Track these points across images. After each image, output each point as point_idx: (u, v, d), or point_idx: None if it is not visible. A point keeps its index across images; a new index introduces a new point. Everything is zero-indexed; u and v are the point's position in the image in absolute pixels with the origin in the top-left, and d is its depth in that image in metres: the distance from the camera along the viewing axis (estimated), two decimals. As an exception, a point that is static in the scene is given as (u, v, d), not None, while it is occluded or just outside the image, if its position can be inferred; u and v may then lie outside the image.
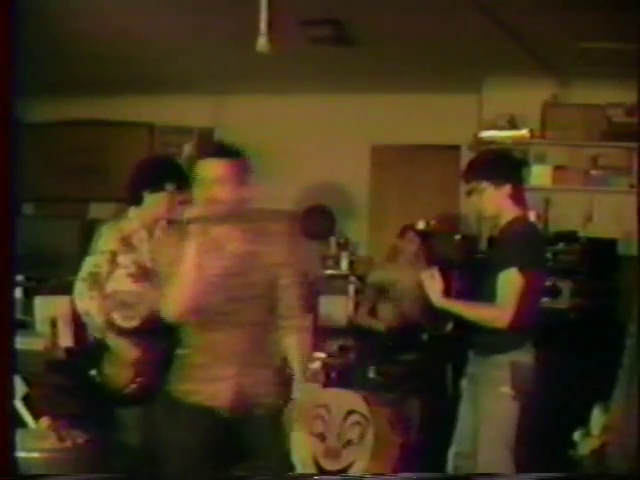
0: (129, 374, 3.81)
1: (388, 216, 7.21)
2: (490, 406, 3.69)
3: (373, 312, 5.84)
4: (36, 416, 3.87)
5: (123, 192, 4.05)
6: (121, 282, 3.89)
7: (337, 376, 5.17)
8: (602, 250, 5.94)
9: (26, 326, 4.89)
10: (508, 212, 3.77)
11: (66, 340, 4.46)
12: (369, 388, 4.92)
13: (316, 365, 5.21)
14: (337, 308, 5.97)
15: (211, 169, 3.19)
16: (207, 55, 6.03)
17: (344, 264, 6.24)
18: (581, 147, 6.30)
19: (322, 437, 4.59)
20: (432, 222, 6.05)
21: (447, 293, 3.74)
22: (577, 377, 5.15)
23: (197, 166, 3.21)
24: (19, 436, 3.33)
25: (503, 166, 3.87)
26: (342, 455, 4.55)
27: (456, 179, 6.43)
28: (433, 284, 3.71)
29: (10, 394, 2.87)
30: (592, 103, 6.23)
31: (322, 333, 5.84)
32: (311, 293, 6.21)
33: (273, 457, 3.32)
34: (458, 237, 6.38)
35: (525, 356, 3.70)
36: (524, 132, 6.31)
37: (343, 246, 6.78)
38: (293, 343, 3.35)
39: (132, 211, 3.98)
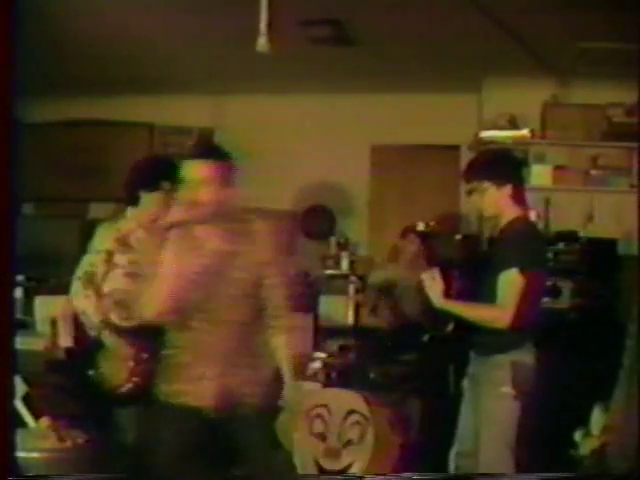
0: (125, 373, 3.81)
1: (388, 216, 7.22)
2: (491, 406, 3.69)
3: (374, 312, 5.84)
4: (36, 416, 3.87)
5: (123, 192, 4.06)
6: (118, 282, 3.89)
7: (337, 376, 5.17)
8: (602, 250, 5.93)
9: (26, 326, 4.90)
10: (509, 212, 3.77)
11: (66, 340, 4.46)
12: (369, 388, 4.92)
13: (316, 365, 5.21)
14: (337, 308, 5.96)
15: (196, 170, 3.20)
16: (207, 55, 6.03)
17: (344, 264, 6.24)
18: (581, 147, 6.30)
19: (322, 437, 4.59)
20: (432, 223, 6.05)
21: (448, 293, 3.74)
22: (577, 377, 5.14)
23: (182, 167, 3.22)
24: (19, 436, 3.33)
25: (504, 166, 3.86)
26: (342, 455, 4.55)
27: (456, 179, 6.43)
28: (433, 285, 3.71)
29: (10, 394, 2.88)
30: (592, 103, 6.23)
31: (322, 333, 5.84)
32: (311, 293, 6.22)
33: (261, 458, 3.33)
34: (458, 237, 6.38)
35: (526, 356, 3.70)
36: (524, 132, 6.30)
37: (343, 246, 6.77)
38: (281, 343, 3.35)
39: (129, 211, 3.99)
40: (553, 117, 6.35)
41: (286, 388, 3.36)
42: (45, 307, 4.87)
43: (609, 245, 5.96)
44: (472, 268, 4.21)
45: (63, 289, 4.12)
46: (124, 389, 3.79)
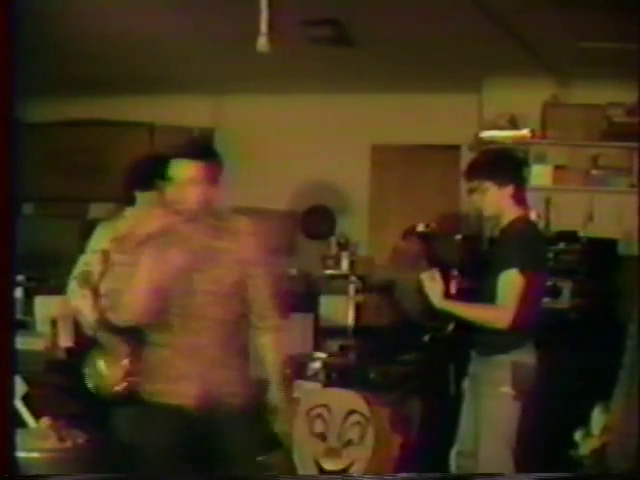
0: (121, 373, 3.81)
1: (388, 216, 7.22)
2: (491, 406, 3.69)
3: (375, 312, 5.84)
4: (36, 416, 3.86)
5: (121, 192, 4.08)
6: (115, 281, 3.90)
7: (337, 376, 5.17)
8: (602, 250, 5.93)
9: (26, 326, 4.90)
10: (509, 212, 3.77)
11: (66, 340, 4.46)
12: (369, 388, 4.91)
13: (317, 365, 5.21)
14: (337, 308, 5.96)
15: (184, 170, 3.20)
16: (207, 55, 6.03)
17: (344, 264, 6.23)
18: (581, 147, 6.30)
19: (322, 437, 4.60)
20: (432, 224, 6.04)
21: (448, 294, 3.75)
22: (577, 377, 5.14)
23: (170, 166, 3.22)
24: (19, 436, 3.32)
25: (506, 166, 3.86)
26: (342, 455, 4.55)
27: (456, 179, 6.44)
28: (434, 285, 3.71)
29: (10, 394, 2.87)
30: (592, 103, 6.23)
31: (322, 333, 5.84)
32: (311, 293, 6.22)
33: (245, 458, 3.33)
34: (459, 238, 6.38)
35: (526, 356, 3.70)
36: (524, 132, 6.30)
37: (343, 246, 6.76)
38: (267, 344, 3.36)
39: (128, 211, 4.00)
40: (553, 117, 6.34)
41: (271, 389, 3.36)
42: (45, 307, 4.87)
43: (609, 245, 5.96)
44: (472, 268, 4.22)
45: (63, 289, 4.13)
46: (119, 388, 3.80)
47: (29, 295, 5.25)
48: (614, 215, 5.97)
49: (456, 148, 6.84)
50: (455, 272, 4.06)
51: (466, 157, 6.33)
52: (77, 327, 4.23)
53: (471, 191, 3.82)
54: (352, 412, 4.58)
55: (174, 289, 3.20)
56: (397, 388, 5.12)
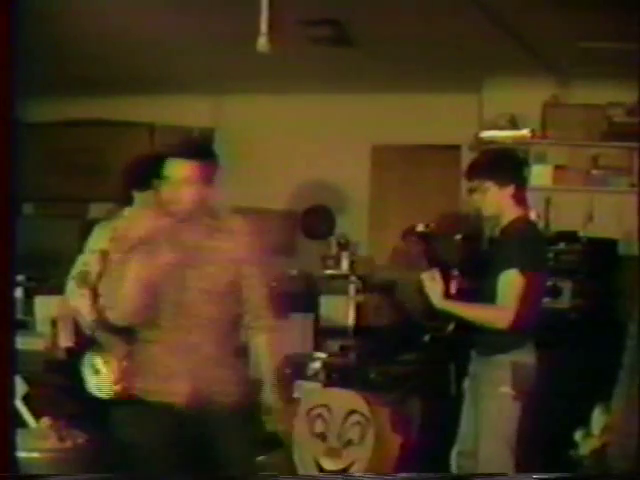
0: (119, 372, 3.80)
1: (388, 216, 7.22)
2: (491, 406, 3.69)
3: (375, 312, 5.84)
4: (36, 416, 3.87)
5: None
6: (112, 281, 3.90)
7: (338, 376, 5.17)
8: (602, 250, 5.93)
9: (26, 326, 4.90)
10: (509, 212, 3.77)
11: (66, 340, 4.45)
12: (370, 388, 4.92)
13: (317, 365, 5.21)
14: (337, 308, 5.96)
15: (179, 169, 3.20)
16: (207, 55, 6.03)
17: (344, 264, 6.23)
18: (581, 147, 6.30)
19: (323, 437, 4.60)
20: (431, 224, 6.05)
21: (448, 294, 3.74)
22: (577, 377, 5.14)
23: (165, 165, 3.22)
24: (19, 436, 3.33)
25: (507, 166, 3.86)
26: (342, 455, 4.55)
27: (456, 179, 6.44)
28: (434, 285, 3.71)
29: (10, 394, 2.87)
30: (592, 103, 6.22)
31: (322, 333, 5.84)
32: (311, 293, 6.22)
33: (238, 457, 3.33)
34: (459, 238, 6.38)
35: (526, 356, 3.70)
36: (525, 132, 6.30)
37: (343, 246, 6.76)
38: (261, 343, 3.35)
39: (127, 211, 4.01)
40: (553, 117, 6.34)
41: (265, 389, 3.36)
42: (45, 307, 4.87)
43: (609, 245, 5.96)
44: (473, 268, 4.22)
45: (63, 289, 4.14)
46: (118, 388, 3.79)
47: (29, 295, 5.25)
48: (614, 215, 5.97)
49: (456, 148, 6.83)
50: (455, 272, 4.05)
51: (466, 157, 6.33)
52: (77, 327, 4.23)
53: (472, 191, 3.82)
54: (352, 412, 4.58)
55: (166, 286, 3.20)
56: (397, 388, 5.12)
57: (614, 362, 3.47)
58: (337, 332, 5.74)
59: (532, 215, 4.88)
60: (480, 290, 3.77)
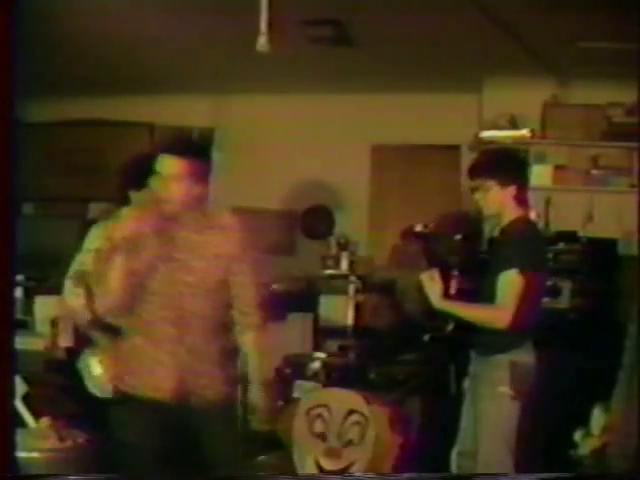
0: (113, 371, 3.81)
1: (388, 216, 7.21)
2: (489, 405, 3.69)
3: (375, 312, 5.84)
4: (36, 416, 3.87)
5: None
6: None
7: (337, 376, 5.17)
8: (602, 250, 5.92)
9: (26, 326, 4.89)
10: (510, 212, 3.77)
11: (66, 340, 4.46)
12: (369, 388, 4.92)
13: (316, 365, 5.22)
14: (337, 308, 5.96)
15: (168, 166, 3.20)
16: (207, 55, 6.03)
17: (344, 264, 6.23)
18: (581, 147, 6.29)
19: (322, 437, 4.60)
20: (430, 224, 6.05)
21: (447, 294, 3.74)
22: (577, 377, 5.14)
23: (157, 161, 3.22)
24: (19, 436, 3.33)
25: (510, 166, 3.86)
26: (342, 455, 4.55)
27: (456, 179, 6.44)
28: (433, 285, 3.71)
29: (10, 394, 2.87)
30: (592, 103, 6.22)
31: (322, 333, 5.84)
32: (311, 293, 6.22)
33: (223, 455, 3.33)
34: (458, 237, 6.38)
35: (525, 356, 3.70)
36: (524, 132, 6.30)
37: (343, 246, 6.77)
38: (249, 341, 3.36)
39: (124, 211, 4.02)
40: (553, 117, 6.34)
41: (252, 387, 3.36)
42: (45, 307, 4.87)
43: (609, 245, 5.95)
44: (472, 268, 4.22)
45: (62, 289, 4.14)
46: (112, 387, 3.80)
47: (29, 295, 5.24)
48: (614, 215, 5.96)
49: (456, 148, 6.83)
50: (455, 272, 4.05)
51: (466, 157, 6.33)
52: (77, 327, 4.23)
53: (473, 189, 3.81)
54: (352, 412, 4.58)
55: (151, 278, 3.21)
56: (397, 388, 5.12)
57: (614, 362, 3.48)
58: (337, 332, 5.74)
59: (532, 215, 4.88)
60: (480, 290, 3.77)
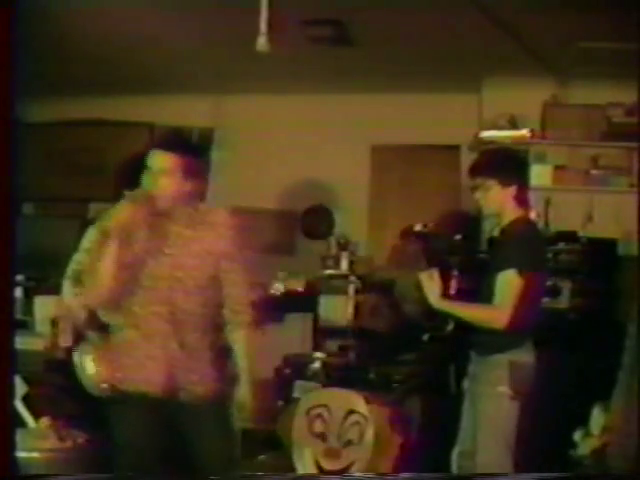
0: (109, 370, 3.81)
1: (388, 216, 7.21)
2: (489, 405, 3.69)
3: (374, 312, 5.84)
4: (36, 416, 3.87)
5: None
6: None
7: (337, 376, 5.17)
8: (602, 250, 5.92)
9: (26, 326, 4.89)
10: (510, 212, 3.77)
11: (66, 340, 4.46)
12: (369, 388, 4.92)
13: (316, 365, 5.22)
14: (337, 308, 5.96)
15: (159, 161, 3.21)
16: (207, 55, 6.03)
17: (344, 264, 6.24)
18: (581, 147, 6.29)
19: (322, 437, 4.60)
20: (431, 224, 6.05)
21: (446, 294, 3.75)
22: (577, 377, 5.14)
23: (148, 156, 3.23)
24: (19, 436, 3.34)
25: (511, 166, 3.87)
26: (342, 455, 4.55)
27: (456, 179, 6.44)
28: (432, 285, 3.71)
29: (10, 394, 2.87)
30: (592, 103, 6.22)
31: (322, 333, 5.84)
32: (311, 293, 6.22)
33: (215, 452, 3.33)
34: (458, 237, 6.38)
35: (525, 356, 3.70)
36: (524, 132, 6.29)
37: (343, 246, 6.78)
38: (239, 339, 3.37)
39: (117, 204, 4.02)
40: (553, 117, 6.34)
41: (241, 385, 3.37)
42: (45, 307, 4.87)
43: (609, 245, 5.95)
44: (472, 268, 4.22)
45: (62, 289, 4.14)
46: (106, 385, 3.80)
47: (29, 295, 5.24)
48: (614, 215, 5.96)
49: (456, 148, 6.83)
50: (455, 272, 4.05)
51: (466, 157, 6.33)
52: (76, 327, 4.23)
53: (474, 188, 3.81)
54: (352, 412, 4.58)
55: (140, 272, 3.21)
56: (397, 388, 5.12)
57: (613, 362, 3.48)
58: (336, 332, 5.74)
59: (532, 215, 4.88)
60: (479, 290, 3.77)
